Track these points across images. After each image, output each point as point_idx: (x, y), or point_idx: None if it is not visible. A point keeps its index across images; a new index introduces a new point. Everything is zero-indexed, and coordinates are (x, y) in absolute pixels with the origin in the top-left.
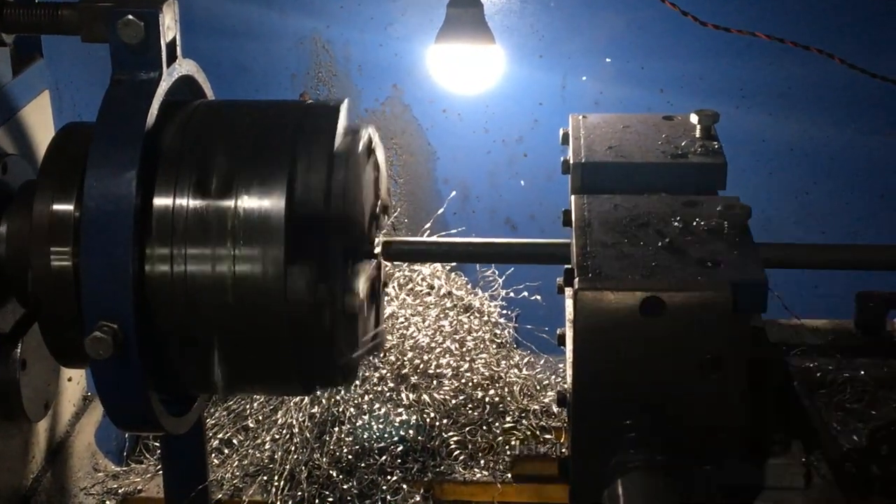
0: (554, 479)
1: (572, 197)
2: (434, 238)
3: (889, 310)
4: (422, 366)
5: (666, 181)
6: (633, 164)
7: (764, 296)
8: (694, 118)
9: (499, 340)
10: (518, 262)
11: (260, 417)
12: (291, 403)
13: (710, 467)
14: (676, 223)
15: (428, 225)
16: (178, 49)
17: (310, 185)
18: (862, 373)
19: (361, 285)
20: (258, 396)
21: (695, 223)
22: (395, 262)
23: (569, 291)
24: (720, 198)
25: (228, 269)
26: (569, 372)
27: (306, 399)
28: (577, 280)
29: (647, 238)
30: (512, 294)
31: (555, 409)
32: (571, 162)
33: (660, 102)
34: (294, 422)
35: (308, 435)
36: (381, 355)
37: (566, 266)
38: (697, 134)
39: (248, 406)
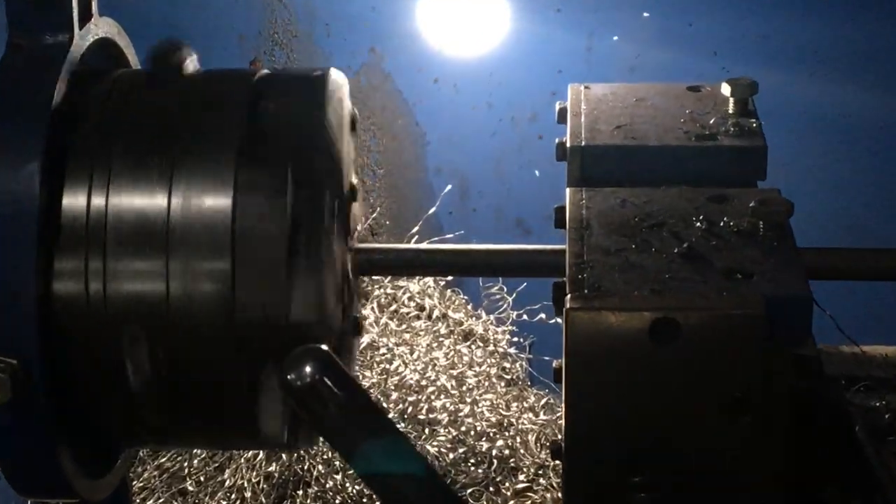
0: None
1: (568, 191)
2: (423, 245)
3: None
4: (410, 410)
5: (688, 170)
6: (646, 149)
7: (808, 316)
8: (726, 89)
9: (508, 376)
10: (528, 275)
11: (202, 478)
12: (242, 460)
13: None
14: (699, 223)
15: (416, 228)
16: (94, 5)
17: (268, 169)
18: None
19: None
20: (200, 451)
21: (722, 223)
22: (373, 277)
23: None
24: (755, 191)
25: (162, 287)
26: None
27: (261, 454)
28: (568, 298)
29: (661, 243)
30: (525, 317)
31: (550, 461)
32: (568, 145)
33: (712, 69)
34: (246, 483)
35: (264, 501)
36: None
37: (555, 280)
38: (730, 109)
39: (186, 463)
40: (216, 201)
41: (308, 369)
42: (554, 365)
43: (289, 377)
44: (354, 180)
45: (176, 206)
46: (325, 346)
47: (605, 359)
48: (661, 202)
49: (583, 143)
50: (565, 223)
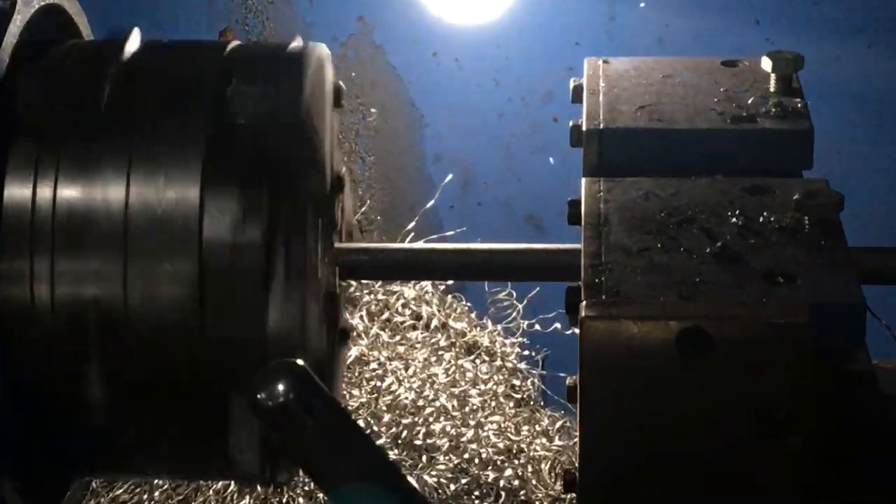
0: None
1: (583, 181)
2: (419, 244)
3: None
4: (405, 434)
5: (722, 157)
6: (674, 132)
7: (860, 325)
8: (767, 63)
9: (518, 395)
10: (539, 279)
11: None
12: (211, 492)
13: None
14: (734, 219)
15: (411, 225)
16: None
17: (246, 155)
18: None
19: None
20: (162, 481)
21: (761, 219)
22: (361, 281)
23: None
24: (800, 181)
25: (118, 293)
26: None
27: (233, 485)
28: (584, 304)
29: (691, 241)
30: (538, 326)
31: (563, 494)
32: (584, 128)
33: (753, 40)
34: None
35: None
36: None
37: (569, 284)
38: (772, 87)
39: (146, 496)
40: (182, 195)
41: (281, 387)
42: (567, 382)
43: (259, 396)
44: (342, 169)
45: (135, 200)
46: (300, 361)
47: (626, 375)
48: (691, 194)
49: (601, 126)
50: (580, 219)
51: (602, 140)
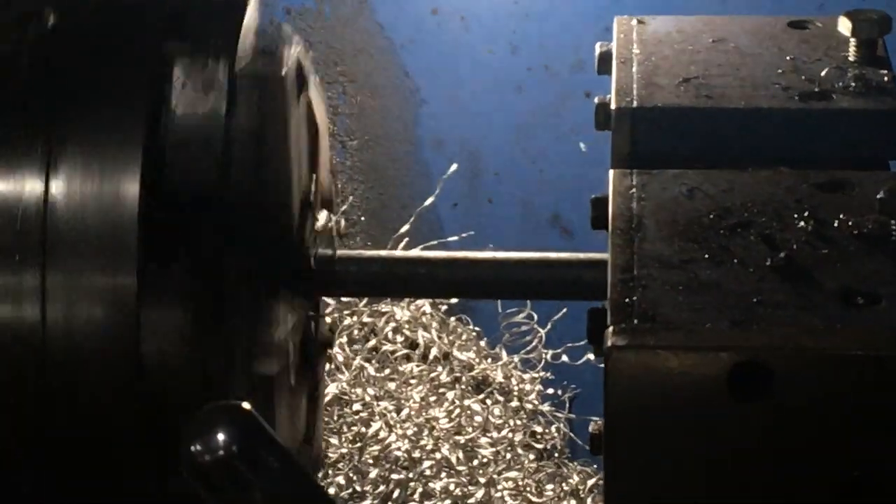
0: None
1: (611, 174)
2: (414, 252)
3: None
4: (397, 494)
5: (787, 144)
6: (726, 112)
7: None
8: (845, 25)
9: (540, 445)
10: (561, 297)
11: None
12: None
13: None
14: (802, 223)
15: (405, 228)
16: None
17: (189, 147)
18: None
19: (284, 340)
20: None
21: (836, 223)
22: (342, 299)
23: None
24: (886, 174)
25: (36, 311)
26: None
27: None
28: (610, 331)
29: (747, 251)
30: (565, 358)
31: None
32: (613, 107)
33: None
34: None
35: None
36: (320, 475)
37: (590, 307)
38: (851, 54)
39: None
40: (117, 189)
41: (220, 437)
42: (591, 429)
43: (192, 449)
44: (322, 175)
45: (58, 196)
46: (245, 404)
47: (663, 420)
48: (748, 192)
49: (634, 105)
50: (607, 222)
51: (635, 122)
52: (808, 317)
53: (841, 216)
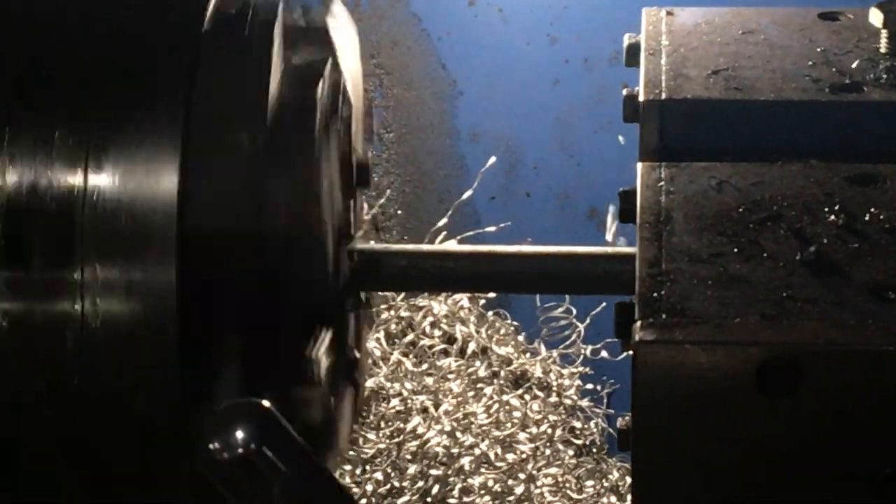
0: None
1: (639, 167)
2: (450, 246)
3: None
4: (436, 490)
5: (818, 136)
6: (756, 105)
7: None
8: (876, 16)
9: (580, 441)
10: (592, 292)
11: None
12: None
13: None
14: (833, 217)
15: (442, 221)
16: None
17: (225, 164)
18: None
19: (322, 362)
20: None
21: (868, 216)
22: (376, 293)
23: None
24: None
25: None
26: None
27: None
28: (638, 325)
29: (777, 245)
30: (605, 353)
31: None
32: (642, 99)
33: None
34: None
35: None
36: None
37: (618, 301)
38: (883, 46)
39: None
40: (159, 184)
41: (240, 435)
42: (619, 424)
43: (211, 446)
44: (359, 148)
45: (97, 191)
46: (265, 402)
47: (690, 416)
48: (778, 185)
49: (662, 97)
50: (634, 215)
51: (664, 114)
52: (838, 312)
53: (872, 210)
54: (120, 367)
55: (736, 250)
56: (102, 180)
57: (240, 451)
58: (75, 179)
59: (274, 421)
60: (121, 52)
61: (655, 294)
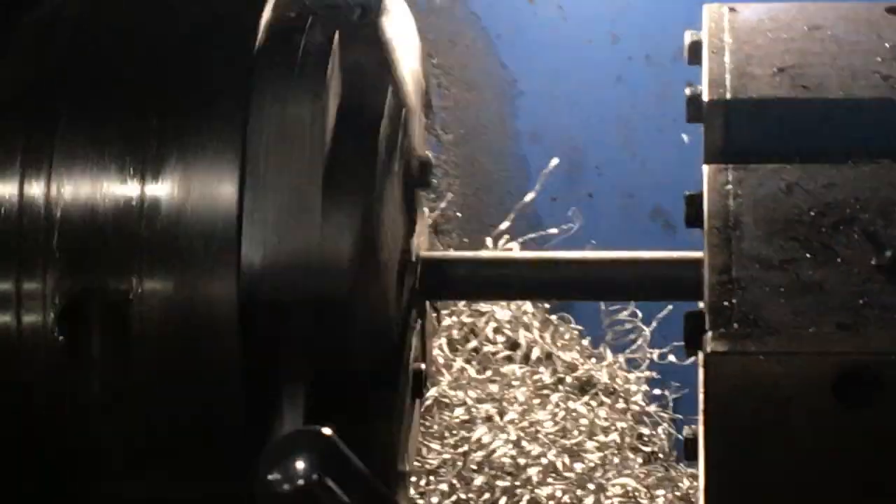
0: None
1: (705, 169)
2: (513, 252)
3: None
4: (503, 501)
5: (891, 136)
6: (825, 103)
7: None
8: None
9: (648, 448)
10: (658, 298)
11: None
12: None
13: None
14: None
15: (504, 225)
16: None
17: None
18: None
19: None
20: None
21: None
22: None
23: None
24: None
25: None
26: None
27: None
28: (709, 336)
29: (852, 250)
30: (672, 357)
31: None
32: (705, 99)
33: None
34: None
35: None
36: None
37: (690, 309)
38: None
39: None
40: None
41: (300, 465)
42: (685, 433)
43: (270, 477)
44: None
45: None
46: (326, 429)
47: (764, 428)
48: (850, 186)
49: (727, 96)
50: (701, 220)
51: (729, 114)
52: None
53: None
54: (180, 384)
55: (808, 256)
56: (160, 191)
57: (300, 482)
58: (133, 192)
59: (335, 449)
60: (175, 72)
61: (726, 302)
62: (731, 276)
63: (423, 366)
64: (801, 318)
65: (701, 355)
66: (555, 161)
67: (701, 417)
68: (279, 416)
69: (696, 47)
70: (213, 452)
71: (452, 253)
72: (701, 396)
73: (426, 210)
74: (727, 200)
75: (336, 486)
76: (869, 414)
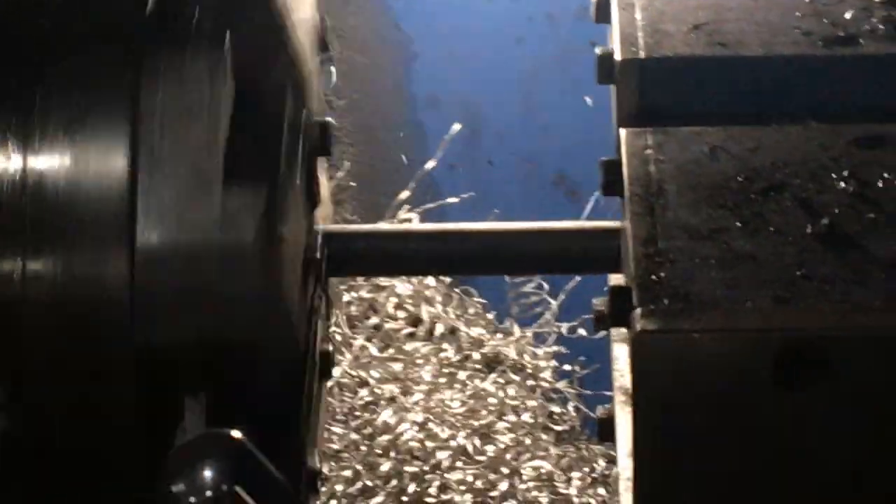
0: None
1: (622, 133)
2: (415, 225)
3: None
4: (412, 488)
5: (814, 95)
6: (744, 61)
7: None
8: None
9: (559, 427)
10: (569, 271)
11: None
12: None
13: None
14: (843, 183)
15: (404, 194)
16: None
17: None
18: None
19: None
20: None
21: (881, 183)
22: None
23: (619, 334)
24: None
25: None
26: (623, 499)
27: None
28: (638, 313)
29: (785, 217)
30: (582, 331)
31: None
32: (618, 59)
33: None
34: None
35: None
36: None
37: (613, 283)
38: None
39: None
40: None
41: (208, 475)
42: (599, 413)
43: (174, 489)
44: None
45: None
46: (235, 432)
47: (700, 411)
48: (778, 150)
49: (641, 55)
50: (620, 187)
51: (644, 74)
52: (861, 291)
53: (885, 175)
54: (67, 375)
55: (739, 224)
56: (46, 164)
57: (209, 493)
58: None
59: (247, 454)
60: (61, 42)
61: (654, 276)
62: (657, 247)
63: (329, 347)
64: (735, 292)
65: (628, 333)
66: (457, 127)
67: (619, 398)
68: (179, 417)
69: (603, 4)
70: (104, 459)
71: (352, 227)
72: (629, 378)
73: (325, 179)
74: (648, 166)
75: (248, 496)
76: (811, 395)
